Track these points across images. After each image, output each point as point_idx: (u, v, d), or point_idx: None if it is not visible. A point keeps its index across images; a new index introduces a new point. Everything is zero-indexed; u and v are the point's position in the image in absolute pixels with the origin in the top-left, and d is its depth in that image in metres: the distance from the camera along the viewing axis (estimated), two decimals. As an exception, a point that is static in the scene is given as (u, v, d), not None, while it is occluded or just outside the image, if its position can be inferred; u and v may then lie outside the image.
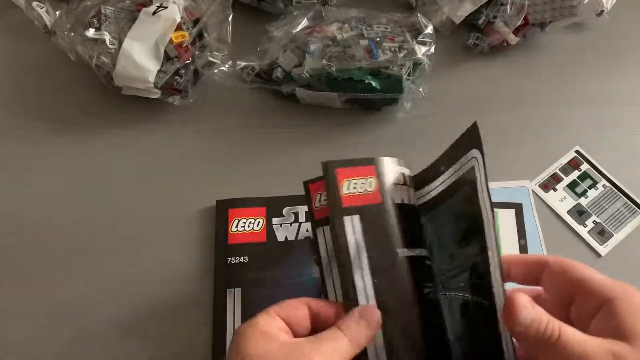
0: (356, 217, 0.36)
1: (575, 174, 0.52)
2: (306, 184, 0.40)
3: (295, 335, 0.33)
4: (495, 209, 0.43)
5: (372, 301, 0.34)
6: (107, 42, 0.50)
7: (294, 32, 0.55)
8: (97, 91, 0.54)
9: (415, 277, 0.36)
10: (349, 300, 0.35)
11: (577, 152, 0.53)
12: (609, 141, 0.54)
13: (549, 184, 0.51)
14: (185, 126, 0.54)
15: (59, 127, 0.53)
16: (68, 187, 0.50)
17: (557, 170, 0.52)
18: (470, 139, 0.35)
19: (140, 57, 0.49)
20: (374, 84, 0.50)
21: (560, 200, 0.51)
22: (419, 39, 0.52)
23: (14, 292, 0.45)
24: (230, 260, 0.46)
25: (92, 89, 0.54)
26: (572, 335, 0.29)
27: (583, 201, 0.51)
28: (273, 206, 0.48)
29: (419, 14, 0.54)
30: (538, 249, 0.48)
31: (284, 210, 0.48)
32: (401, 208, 0.37)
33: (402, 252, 0.36)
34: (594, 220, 0.50)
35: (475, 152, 0.35)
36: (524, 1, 0.55)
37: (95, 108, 0.54)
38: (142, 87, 0.51)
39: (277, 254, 0.46)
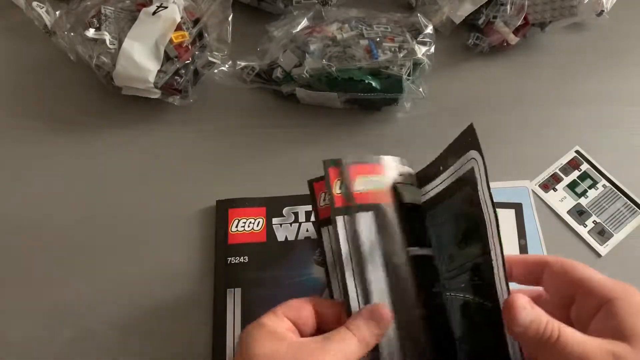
0: (368, 214, 0.36)
1: (575, 174, 0.52)
2: (311, 183, 0.39)
3: (302, 334, 0.34)
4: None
5: (374, 301, 0.34)
6: (107, 42, 0.50)
7: (294, 32, 0.55)
8: (97, 91, 0.54)
9: (420, 277, 0.36)
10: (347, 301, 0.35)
11: (577, 152, 0.53)
12: (609, 141, 0.54)
13: (549, 184, 0.51)
14: (185, 126, 0.54)
15: (59, 127, 0.53)
16: (68, 187, 0.50)
17: (557, 170, 0.52)
18: (468, 140, 0.35)
19: (140, 57, 0.50)
20: (374, 84, 0.50)
21: (560, 200, 0.51)
22: (419, 39, 0.52)
23: (14, 292, 0.45)
24: (230, 260, 0.46)
25: (92, 89, 0.54)
26: (571, 335, 0.29)
27: (583, 201, 0.51)
28: (273, 206, 0.48)
29: (419, 14, 0.54)
30: (538, 249, 0.48)
31: (284, 210, 0.48)
32: (406, 207, 0.38)
33: (412, 251, 0.36)
34: (594, 220, 0.50)
35: (473, 153, 0.35)
36: (524, 1, 0.55)
37: (95, 108, 0.54)
38: (142, 87, 0.51)
39: (277, 254, 0.46)
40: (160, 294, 0.45)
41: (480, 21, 0.57)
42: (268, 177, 0.51)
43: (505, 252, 0.32)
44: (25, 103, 0.55)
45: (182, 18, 0.51)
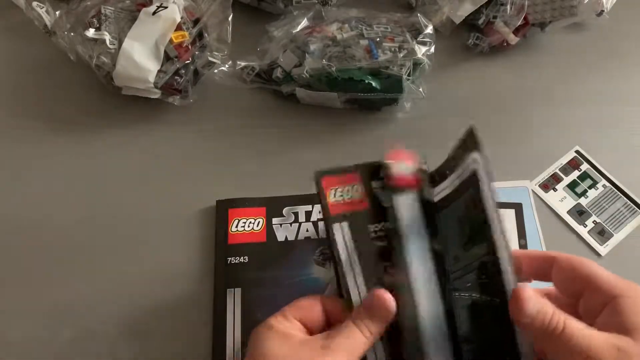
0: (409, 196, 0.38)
1: (575, 174, 0.52)
2: (318, 178, 0.39)
3: (311, 333, 0.34)
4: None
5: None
6: (107, 42, 0.50)
7: (294, 32, 0.55)
8: (97, 91, 0.54)
9: (439, 272, 0.36)
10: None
11: (577, 152, 0.53)
12: (609, 141, 0.54)
13: (549, 184, 0.51)
14: (185, 126, 0.54)
15: (59, 127, 0.53)
16: (68, 187, 0.50)
17: (557, 170, 0.52)
18: (469, 142, 0.35)
19: (140, 57, 0.50)
20: (374, 84, 0.50)
21: (560, 200, 0.51)
22: (419, 39, 0.52)
23: (14, 292, 0.45)
24: (230, 260, 0.46)
25: (92, 89, 0.54)
26: (577, 328, 0.30)
27: (583, 201, 0.51)
28: (273, 206, 0.48)
29: (419, 14, 0.54)
30: (538, 249, 0.48)
31: (284, 210, 0.48)
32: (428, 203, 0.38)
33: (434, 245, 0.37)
34: (594, 220, 0.50)
35: (475, 155, 0.35)
36: (524, 1, 0.55)
37: (95, 108, 0.54)
38: (142, 87, 0.51)
39: (277, 254, 0.46)
40: (160, 294, 0.45)
41: (480, 21, 0.57)
42: (268, 177, 0.51)
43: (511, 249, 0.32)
44: (25, 103, 0.55)
45: (182, 18, 0.51)
